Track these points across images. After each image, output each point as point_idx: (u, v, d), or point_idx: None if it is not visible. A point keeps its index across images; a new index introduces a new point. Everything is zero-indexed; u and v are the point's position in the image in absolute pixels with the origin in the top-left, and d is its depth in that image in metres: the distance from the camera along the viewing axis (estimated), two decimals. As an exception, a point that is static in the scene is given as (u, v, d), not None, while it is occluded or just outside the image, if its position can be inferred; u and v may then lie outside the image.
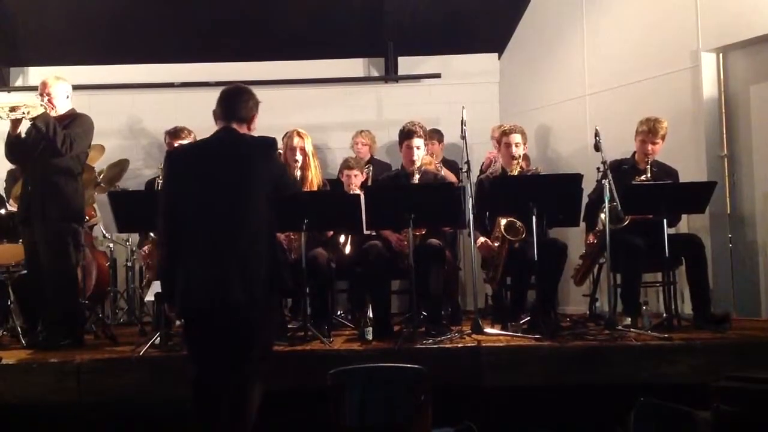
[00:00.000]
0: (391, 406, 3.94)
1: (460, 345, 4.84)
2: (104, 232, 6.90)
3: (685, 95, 6.54)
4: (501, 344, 4.85)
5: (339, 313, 6.49)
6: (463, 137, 5.44)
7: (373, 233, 5.62)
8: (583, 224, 5.65)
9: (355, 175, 6.22)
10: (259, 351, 3.65)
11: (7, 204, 6.26)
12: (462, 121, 5.45)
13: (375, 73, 8.49)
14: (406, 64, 8.39)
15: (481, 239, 5.60)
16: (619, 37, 7.11)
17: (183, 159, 3.80)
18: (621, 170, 5.58)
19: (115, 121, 7.98)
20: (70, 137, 5.19)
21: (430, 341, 4.86)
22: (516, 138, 5.76)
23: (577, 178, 5.13)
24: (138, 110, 8.25)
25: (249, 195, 3.61)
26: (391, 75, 8.37)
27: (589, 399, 4.55)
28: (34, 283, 5.39)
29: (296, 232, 5.26)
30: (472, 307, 5.52)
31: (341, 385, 3.97)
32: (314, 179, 5.52)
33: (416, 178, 5.55)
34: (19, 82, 8.29)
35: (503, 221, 5.40)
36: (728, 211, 6.41)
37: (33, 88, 5.49)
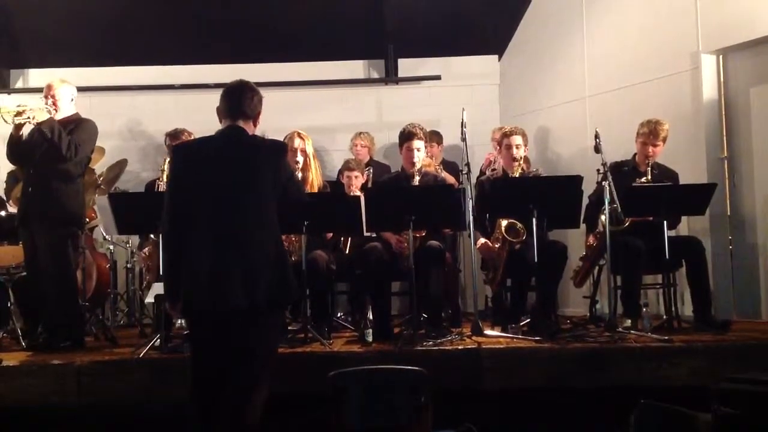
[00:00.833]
0: (391, 409, 3.94)
1: (460, 347, 4.84)
2: (104, 234, 6.89)
3: (685, 97, 6.54)
4: (501, 346, 4.85)
5: (339, 315, 6.48)
6: (463, 139, 5.44)
7: (373, 235, 5.61)
8: (583, 226, 5.65)
9: (356, 177, 6.22)
10: (262, 355, 3.64)
11: (8, 205, 6.25)
12: (462, 122, 5.46)
13: (375, 75, 8.49)
14: (406, 66, 8.39)
15: (481, 240, 5.60)
16: (619, 39, 7.11)
17: (190, 155, 3.71)
18: (621, 172, 5.58)
19: (114, 122, 7.98)
20: (75, 143, 5.21)
21: (430, 343, 4.86)
22: (517, 140, 5.76)
23: (577, 180, 5.13)
24: (138, 112, 8.25)
25: (257, 198, 3.58)
26: (391, 77, 8.37)
27: (590, 401, 4.54)
28: (34, 285, 5.39)
29: (296, 234, 5.27)
30: (472, 309, 5.52)
31: (341, 388, 3.96)
32: (315, 181, 5.53)
33: (416, 179, 5.55)
34: (19, 84, 8.29)
35: (504, 222, 5.40)
36: (728, 213, 6.40)
37: (33, 90, 5.50)
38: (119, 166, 7.09)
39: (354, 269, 5.76)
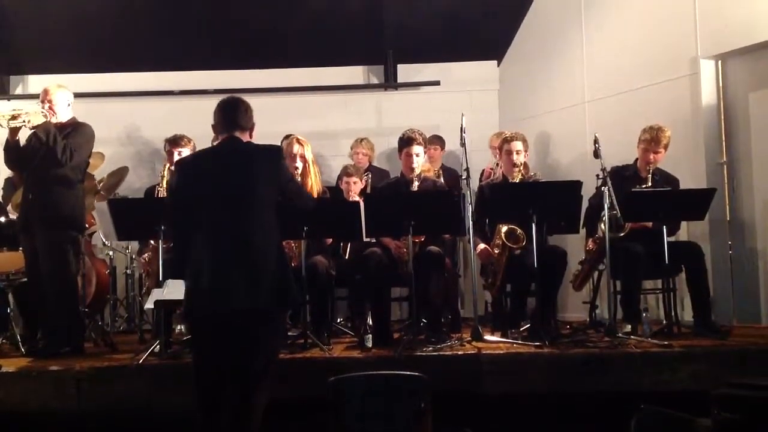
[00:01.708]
0: (391, 414, 3.94)
1: (460, 352, 4.83)
2: (104, 239, 6.90)
3: (684, 102, 6.55)
4: (501, 351, 4.85)
5: (339, 320, 6.48)
6: (463, 144, 5.44)
7: (373, 240, 5.61)
8: (583, 231, 5.65)
9: (355, 182, 6.22)
10: (263, 359, 3.65)
11: (8, 211, 6.24)
12: (461, 128, 5.46)
13: (374, 81, 8.50)
14: (406, 72, 8.40)
15: (481, 246, 5.60)
16: (618, 45, 7.12)
17: (191, 170, 3.79)
18: (623, 176, 5.58)
19: (114, 129, 7.99)
20: (70, 147, 5.19)
21: (430, 348, 4.86)
22: (517, 145, 5.75)
23: (576, 185, 5.14)
24: (137, 118, 8.26)
25: (256, 203, 3.63)
26: (390, 82, 8.38)
27: (590, 406, 4.54)
28: (34, 291, 5.38)
29: (296, 239, 5.27)
30: (472, 314, 5.51)
31: (341, 393, 3.96)
32: (314, 186, 5.51)
33: (415, 185, 5.55)
34: (18, 91, 8.29)
35: (504, 228, 5.40)
36: (728, 218, 6.40)
37: (33, 97, 5.50)
38: (120, 173, 7.10)
39: (354, 274, 5.76)
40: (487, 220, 5.61)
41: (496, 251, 5.52)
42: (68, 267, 5.29)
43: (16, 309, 5.84)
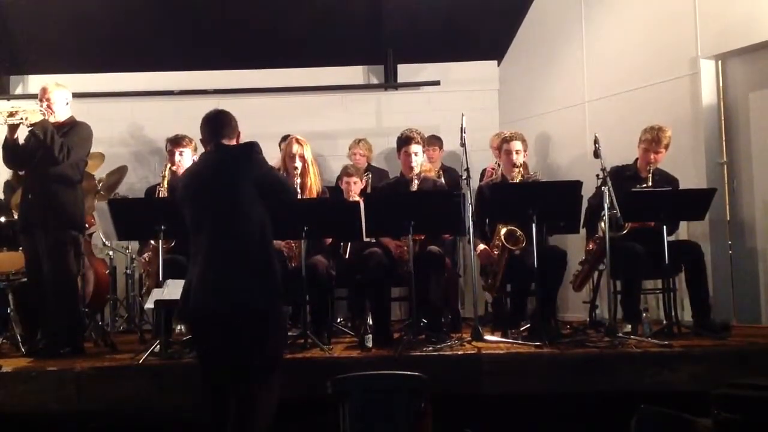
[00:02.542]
0: (391, 414, 3.94)
1: (460, 352, 4.83)
2: (104, 239, 6.89)
3: (684, 102, 6.55)
4: (501, 351, 4.84)
5: (339, 320, 6.49)
6: (463, 144, 5.44)
7: (373, 240, 5.61)
8: (583, 231, 5.65)
9: (355, 182, 6.22)
10: (262, 358, 3.66)
11: (12, 211, 6.23)
12: (461, 128, 5.45)
13: (374, 81, 8.50)
14: (406, 72, 8.40)
15: (481, 246, 5.60)
16: (618, 45, 7.12)
17: (187, 181, 3.97)
18: (623, 177, 5.58)
19: (114, 128, 8.00)
20: (67, 145, 5.18)
21: (430, 349, 4.86)
22: (517, 145, 5.76)
23: (576, 185, 5.13)
24: (138, 118, 8.26)
25: (239, 201, 3.71)
26: (390, 82, 8.38)
27: (590, 406, 4.54)
28: (34, 291, 5.38)
29: (296, 239, 5.27)
30: (472, 314, 5.51)
31: (341, 393, 3.96)
32: (314, 186, 5.51)
33: (415, 185, 5.55)
34: (18, 90, 8.30)
35: (503, 230, 5.40)
36: (728, 218, 6.41)
37: (33, 96, 5.50)
38: (119, 173, 7.10)
39: (354, 274, 5.76)
40: (487, 220, 5.61)
41: (495, 252, 5.52)
42: (68, 267, 5.28)
43: (16, 309, 5.83)
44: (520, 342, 5.09)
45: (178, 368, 4.68)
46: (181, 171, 5.56)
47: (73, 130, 5.36)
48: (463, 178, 5.35)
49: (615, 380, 4.61)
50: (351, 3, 7.89)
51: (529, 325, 5.54)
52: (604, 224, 5.21)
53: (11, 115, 5.09)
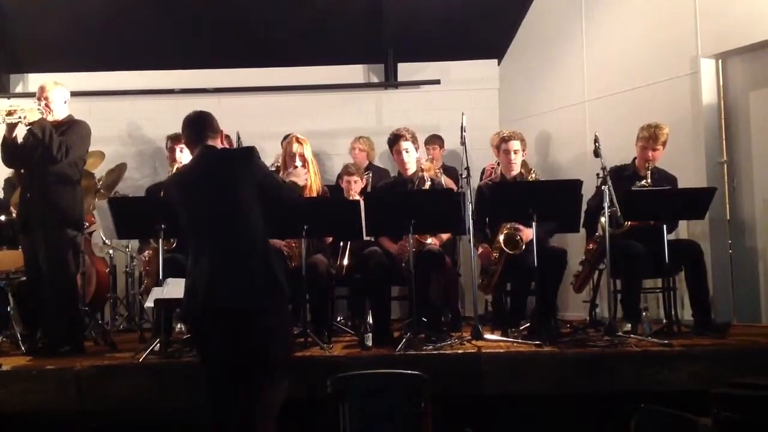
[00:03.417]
0: (391, 413, 3.94)
1: (460, 351, 4.83)
2: (104, 238, 6.89)
3: (684, 101, 6.55)
4: (501, 351, 4.85)
5: (339, 319, 6.49)
6: (463, 143, 5.44)
7: (373, 239, 5.62)
8: (583, 230, 5.65)
9: (355, 181, 6.22)
10: (264, 358, 3.66)
11: (12, 210, 6.23)
12: (461, 127, 5.46)
13: (375, 80, 8.50)
14: (406, 71, 8.39)
15: (482, 247, 5.60)
16: (619, 44, 7.12)
17: (180, 184, 3.92)
18: (622, 176, 5.58)
19: (114, 127, 7.99)
20: (65, 144, 5.18)
21: (430, 347, 4.86)
22: (515, 145, 5.76)
23: (576, 185, 5.13)
24: (138, 117, 8.26)
25: (238, 203, 3.69)
26: (390, 81, 8.38)
27: (590, 406, 4.54)
28: (34, 290, 5.38)
29: (296, 238, 5.27)
30: (472, 313, 5.51)
31: (341, 392, 3.96)
32: (314, 185, 5.52)
33: (415, 184, 5.55)
34: (18, 89, 8.29)
35: (501, 236, 5.40)
36: (728, 217, 6.40)
37: (33, 95, 5.48)
38: (119, 170, 7.10)
39: (353, 274, 5.76)
40: (486, 220, 5.61)
41: (494, 254, 5.51)
42: (68, 266, 5.28)
43: (15, 308, 5.83)
44: (520, 341, 5.09)
45: (178, 367, 4.69)
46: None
47: (72, 128, 5.35)
48: (463, 177, 5.35)
49: (615, 380, 4.61)
50: (351, 2, 7.88)
51: (529, 325, 5.55)
52: (605, 220, 5.21)
53: (9, 113, 5.08)
